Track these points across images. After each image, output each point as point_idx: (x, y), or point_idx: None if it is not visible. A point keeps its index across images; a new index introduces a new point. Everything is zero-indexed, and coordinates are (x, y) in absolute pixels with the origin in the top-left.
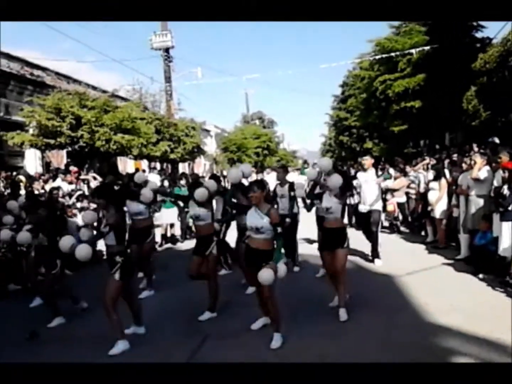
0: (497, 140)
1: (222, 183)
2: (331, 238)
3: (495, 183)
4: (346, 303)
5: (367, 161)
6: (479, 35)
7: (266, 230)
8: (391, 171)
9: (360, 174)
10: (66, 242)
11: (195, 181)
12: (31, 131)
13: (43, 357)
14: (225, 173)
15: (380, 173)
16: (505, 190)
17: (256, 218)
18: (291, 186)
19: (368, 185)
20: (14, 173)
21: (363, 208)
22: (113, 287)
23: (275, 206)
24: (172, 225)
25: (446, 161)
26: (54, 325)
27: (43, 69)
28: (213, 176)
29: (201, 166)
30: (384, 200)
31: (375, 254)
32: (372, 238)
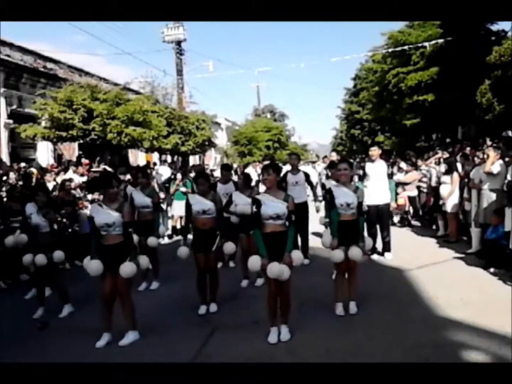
0: (511, 134)
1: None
2: (347, 233)
3: (508, 177)
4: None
5: (375, 151)
6: (494, 27)
7: (285, 217)
8: (403, 165)
9: (368, 165)
10: (94, 266)
11: (199, 174)
12: (43, 123)
13: (51, 347)
14: (235, 166)
15: (392, 169)
16: None
17: (276, 206)
18: (307, 174)
19: (377, 176)
20: (26, 165)
21: (370, 200)
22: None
23: None
24: (183, 218)
25: (459, 155)
26: (65, 315)
27: (56, 62)
28: (225, 166)
29: (212, 159)
30: (395, 194)
31: (385, 247)
32: (382, 231)
